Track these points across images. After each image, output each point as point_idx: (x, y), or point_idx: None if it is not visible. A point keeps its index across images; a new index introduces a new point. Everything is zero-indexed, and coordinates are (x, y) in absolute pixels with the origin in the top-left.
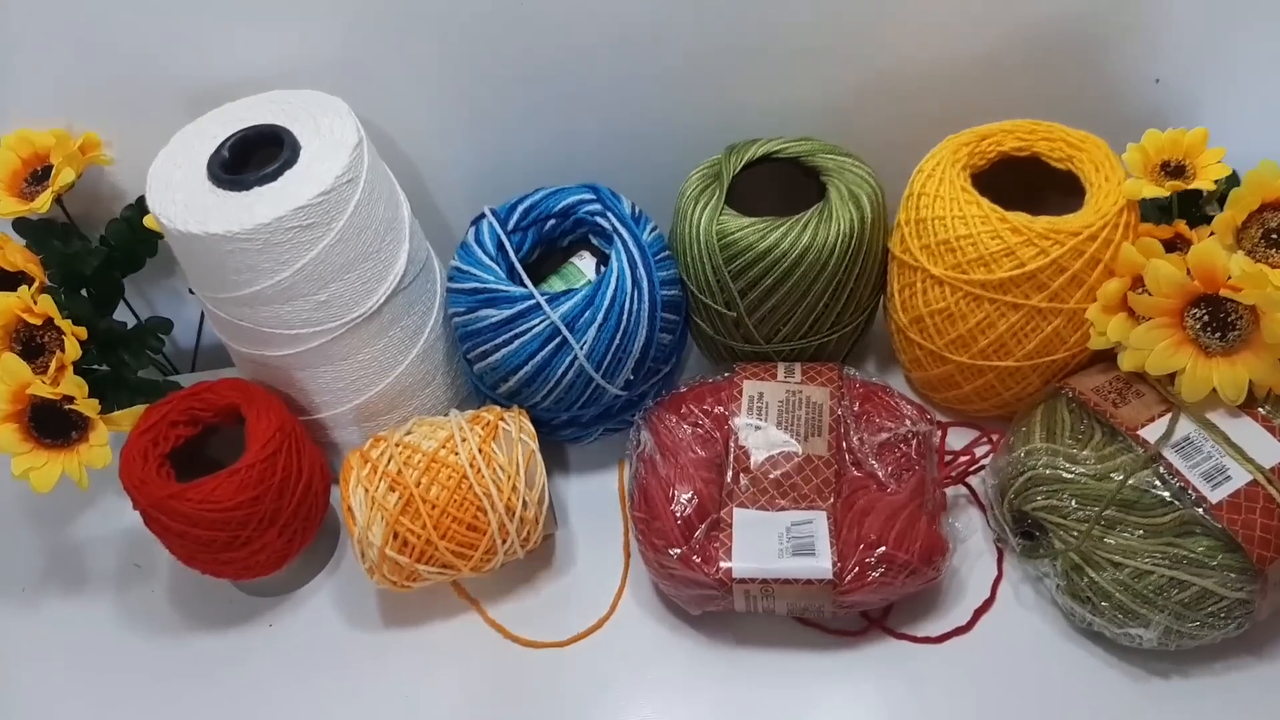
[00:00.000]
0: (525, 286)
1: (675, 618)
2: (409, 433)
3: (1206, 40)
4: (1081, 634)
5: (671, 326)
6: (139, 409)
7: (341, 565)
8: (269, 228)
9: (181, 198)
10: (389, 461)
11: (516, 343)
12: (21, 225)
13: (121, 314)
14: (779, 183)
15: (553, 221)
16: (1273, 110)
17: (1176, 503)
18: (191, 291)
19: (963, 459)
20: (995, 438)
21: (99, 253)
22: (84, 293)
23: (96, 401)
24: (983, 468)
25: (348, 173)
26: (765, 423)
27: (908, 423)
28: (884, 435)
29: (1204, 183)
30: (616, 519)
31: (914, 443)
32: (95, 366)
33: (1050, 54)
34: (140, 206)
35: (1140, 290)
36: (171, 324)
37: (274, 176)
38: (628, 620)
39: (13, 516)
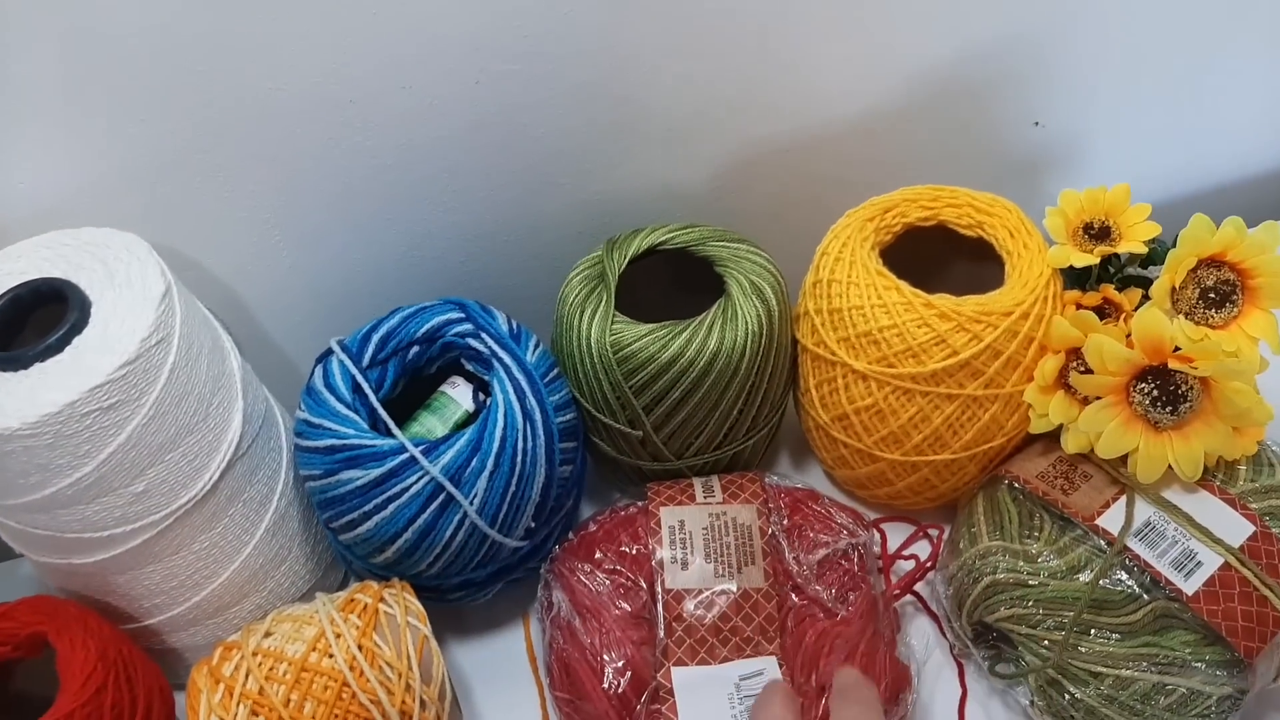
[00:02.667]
0: (394, 436)
1: None
2: (268, 634)
3: (1084, 80)
4: None
5: (571, 455)
6: None
7: None
8: (58, 417)
9: None
10: (247, 679)
11: (391, 507)
12: None
13: None
14: (668, 273)
15: (416, 348)
16: (1147, 145)
17: (1146, 595)
18: None
19: (904, 563)
20: (935, 533)
21: None
22: None
23: None
24: (929, 570)
25: (155, 331)
26: (692, 557)
27: (845, 534)
28: (821, 551)
29: (1133, 244)
30: (528, 686)
31: (855, 556)
32: None
33: (927, 107)
34: None
35: (1075, 366)
36: None
37: (59, 347)
38: None
39: None
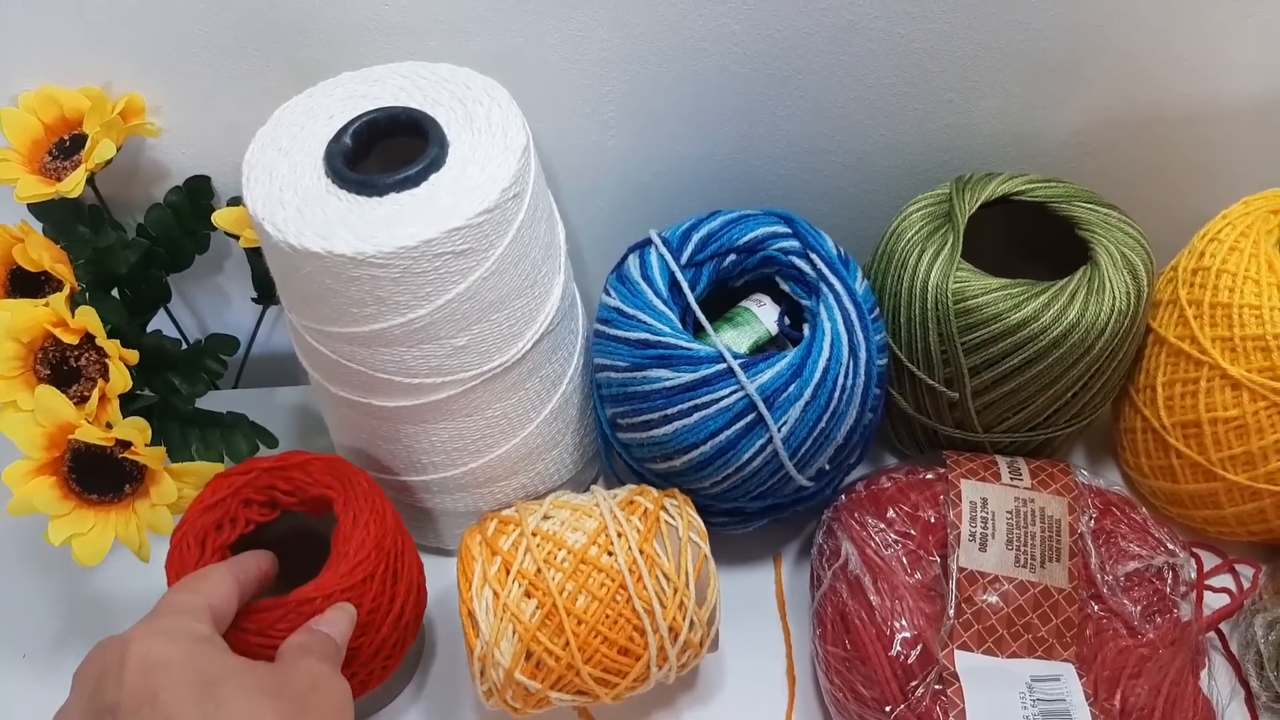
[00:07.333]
0: (712, 344)
1: None
2: (546, 517)
3: None
4: None
5: (876, 404)
6: (215, 467)
7: (434, 663)
8: (413, 252)
9: (292, 199)
10: (525, 557)
11: (695, 416)
12: (40, 206)
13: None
14: (1004, 228)
15: (733, 257)
16: None
17: None
18: (256, 300)
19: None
20: (1253, 573)
21: (137, 246)
22: (117, 295)
23: (162, 450)
24: (1238, 610)
25: (514, 184)
26: (992, 539)
27: (1162, 551)
28: (1133, 564)
29: None
30: (774, 630)
31: (1168, 577)
32: (138, 392)
33: None
34: (191, 191)
35: None
36: (237, 343)
37: (416, 181)
38: None
39: (11, 560)
